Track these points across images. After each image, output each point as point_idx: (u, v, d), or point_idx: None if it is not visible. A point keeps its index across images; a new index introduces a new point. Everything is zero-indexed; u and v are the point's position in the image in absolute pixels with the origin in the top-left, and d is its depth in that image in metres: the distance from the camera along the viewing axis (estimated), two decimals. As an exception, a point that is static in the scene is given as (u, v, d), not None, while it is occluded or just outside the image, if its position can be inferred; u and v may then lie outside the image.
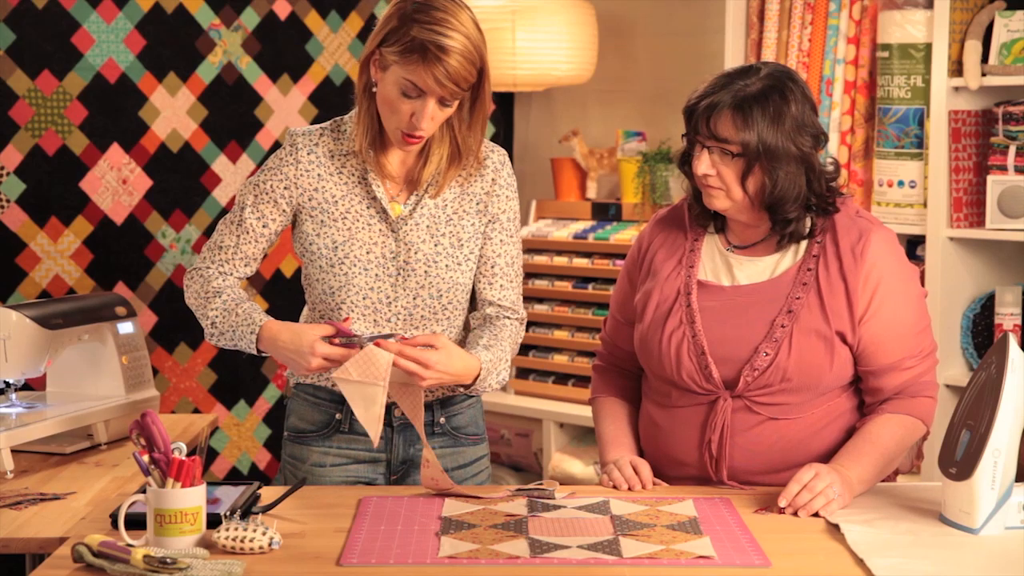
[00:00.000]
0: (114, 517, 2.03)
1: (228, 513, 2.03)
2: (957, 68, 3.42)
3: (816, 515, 2.17)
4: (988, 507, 2.08)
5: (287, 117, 4.19)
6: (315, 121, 4.20)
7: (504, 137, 4.66)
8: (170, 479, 1.97)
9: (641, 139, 4.29)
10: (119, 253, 3.95)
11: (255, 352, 2.37)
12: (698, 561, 1.96)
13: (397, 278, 2.40)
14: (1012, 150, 3.36)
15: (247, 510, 2.08)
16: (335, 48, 4.28)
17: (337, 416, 2.47)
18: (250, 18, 4.11)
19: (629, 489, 2.32)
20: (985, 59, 3.41)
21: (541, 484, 2.29)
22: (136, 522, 1.99)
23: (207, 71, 4.05)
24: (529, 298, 4.24)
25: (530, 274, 4.25)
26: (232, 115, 4.09)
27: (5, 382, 2.73)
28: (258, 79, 4.13)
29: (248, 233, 2.42)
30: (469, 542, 2.02)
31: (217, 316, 2.39)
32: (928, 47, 3.44)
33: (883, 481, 2.37)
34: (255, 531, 1.96)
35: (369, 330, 2.40)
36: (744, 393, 2.30)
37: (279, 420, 4.12)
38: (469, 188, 2.45)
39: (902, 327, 2.32)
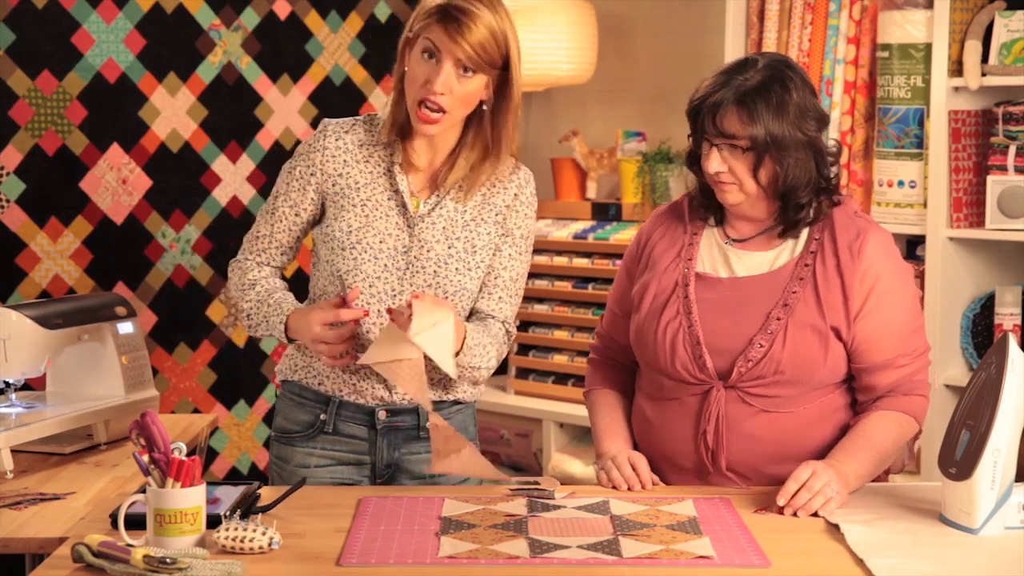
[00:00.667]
0: (114, 517, 2.03)
1: (228, 513, 2.03)
2: (957, 68, 3.42)
3: (815, 515, 2.17)
4: (988, 507, 2.08)
5: (287, 117, 4.19)
6: (315, 121, 4.20)
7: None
8: (170, 479, 1.96)
9: (641, 139, 4.29)
10: (119, 253, 3.95)
11: (287, 341, 2.43)
12: (698, 561, 1.96)
13: (405, 272, 2.41)
14: (1012, 150, 3.36)
15: (247, 510, 2.08)
16: (335, 48, 4.28)
17: (322, 417, 2.47)
18: (250, 18, 4.11)
19: (629, 489, 2.32)
20: (985, 59, 3.41)
21: (539, 482, 2.29)
22: (136, 522, 1.99)
23: (207, 71, 4.05)
24: (529, 298, 4.24)
25: (530, 274, 4.24)
26: (232, 115, 4.09)
27: (5, 382, 2.73)
28: (258, 79, 4.13)
29: (281, 222, 2.48)
30: (469, 542, 2.02)
31: (251, 307, 2.46)
32: (928, 47, 3.44)
33: (874, 481, 2.37)
34: (255, 531, 1.96)
35: (372, 319, 2.40)
36: (737, 384, 2.31)
37: (279, 420, 4.12)
38: (491, 198, 2.47)
39: (896, 325, 2.33)
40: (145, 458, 1.99)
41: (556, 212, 4.41)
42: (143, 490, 2.02)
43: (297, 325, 2.39)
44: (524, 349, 4.32)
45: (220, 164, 4.09)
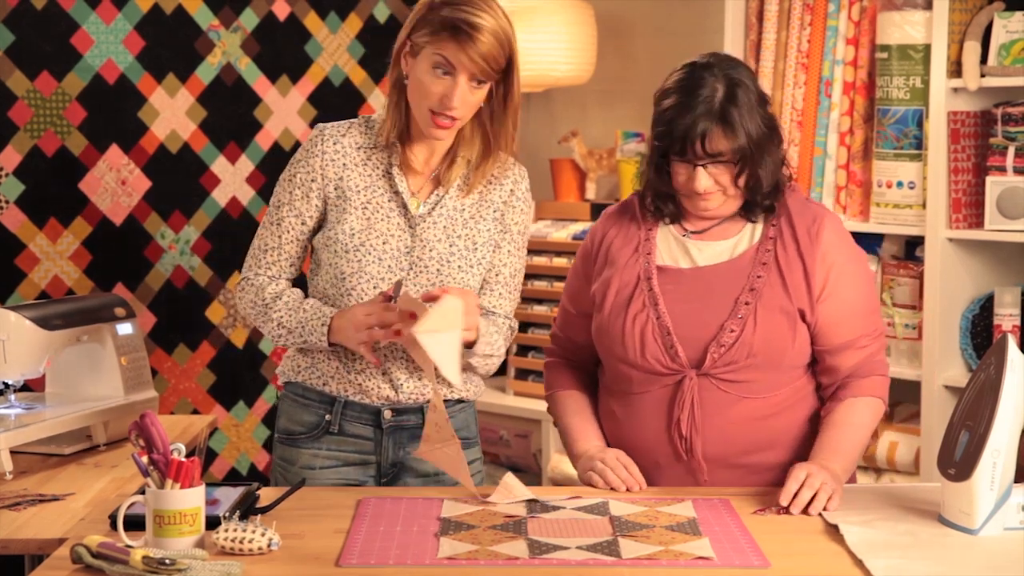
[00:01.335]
0: (113, 518, 2.03)
1: (227, 514, 2.03)
2: (956, 69, 3.42)
3: (809, 514, 2.17)
4: (987, 508, 2.08)
5: (286, 118, 4.18)
6: (314, 122, 4.20)
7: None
8: (169, 480, 1.96)
9: (640, 139, 4.29)
10: (118, 254, 3.94)
11: (327, 344, 2.39)
12: (697, 562, 1.96)
13: (409, 272, 2.41)
14: (1011, 151, 3.36)
15: (246, 511, 2.08)
16: (334, 49, 4.28)
17: (327, 417, 2.47)
18: (249, 19, 4.11)
19: (627, 490, 2.32)
20: (984, 60, 3.41)
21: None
22: (135, 523, 1.99)
23: (206, 72, 4.04)
24: (528, 299, 4.24)
25: (529, 275, 4.25)
26: (231, 116, 4.09)
27: (4, 383, 2.73)
28: (257, 80, 4.13)
29: (288, 232, 2.46)
30: (468, 543, 2.02)
31: (283, 316, 2.43)
32: (927, 48, 3.44)
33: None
34: (254, 532, 1.96)
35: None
36: (710, 371, 2.33)
37: (278, 421, 4.11)
38: (488, 195, 2.48)
39: (856, 306, 2.39)
40: (144, 459, 1.99)
41: (555, 213, 4.41)
42: (142, 491, 2.02)
43: (341, 325, 2.37)
44: (523, 350, 4.32)
45: (219, 165, 4.09)
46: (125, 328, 2.90)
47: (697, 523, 2.13)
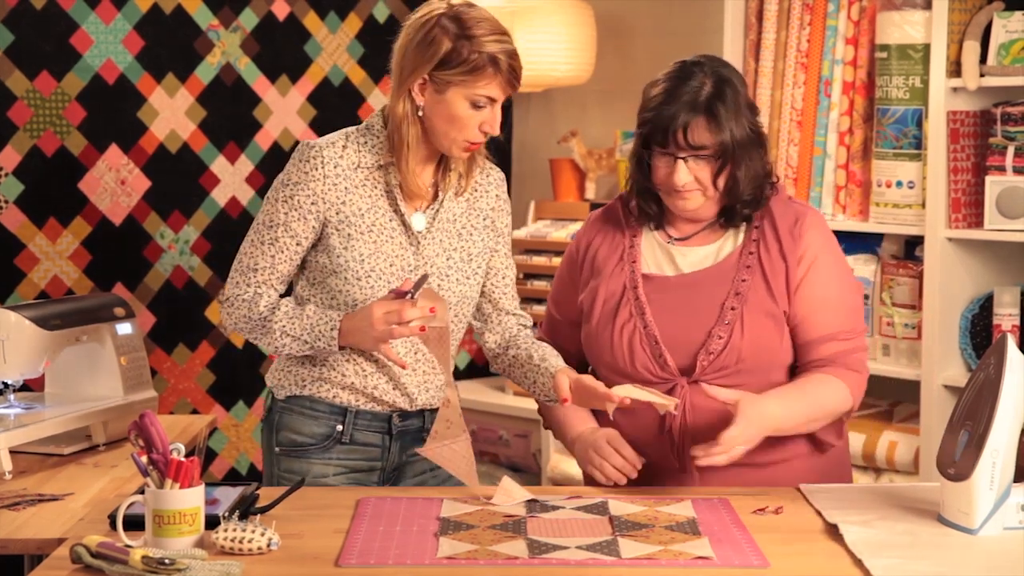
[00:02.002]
0: (112, 518, 2.03)
1: (227, 514, 2.03)
2: (955, 69, 3.42)
3: (818, 515, 2.17)
4: (987, 508, 2.08)
5: (285, 118, 4.19)
6: (314, 122, 4.20)
7: (503, 138, 4.66)
8: (168, 480, 1.96)
9: (640, 140, 4.29)
10: (118, 254, 3.95)
11: (336, 349, 2.35)
12: (696, 562, 1.96)
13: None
14: (1010, 150, 3.36)
15: (246, 511, 2.08)
16: (334, 49, 4.28)
17: (338, 428, 2.44)
18: (248, 19, 4.11)
19: (627, 478, 2.32)
20: (983, 60, 3.41)
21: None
22: (135, 523, 1.99)
23: (205, 72, 4.05)
24: (528, 299, 4.23)
25: (529, 275, 4.25)
26: (231, 116, 4.09)
27: (4, 383, 2.73)
28: (256, 80, 4.13)
29: (283, 252, 2.39)
30: (468, 543, 2.02)
31: (286, 325, 2.36)
32: (926, 48, 3.44)
33: (812, 454, 2.43)
34: (253, 532, 1.96)
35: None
36: (700, 378, 2.33)
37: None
38: (475, 203, 2.48)
39: (835, 300, 2.39)
40: (144, 459, 1.99)
41: (555, 213, 4.40)
42: (142, 491, 2.02)
43: (355, 326, 2.32)
44: (523, 350, 4.31)
45: (219, 165, 4.09)
46: (124, 328, 2.90)
47: (696, 523, 2.13)
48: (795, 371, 2.41)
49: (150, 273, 4.00)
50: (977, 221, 3.45)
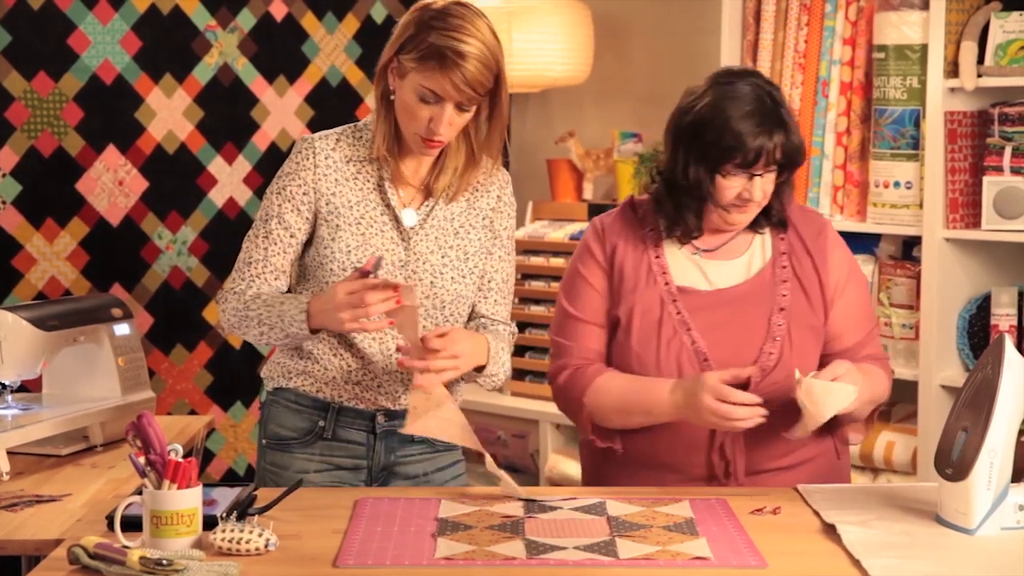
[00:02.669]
0: (110, 519, 2.02)
1: (224, 514, 2.03)
2: (953, 69, 3.42)
3: (816, 515, 2.18)
4: (984, 508, 2.08)
5: (283, 118, 4.19)
6: (311, 122, 4.20)
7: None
8: (166, 481, 1.96)
9: (637, 140, 4.29)
10: (115, 255, 3.95)
11: (307, 332, 2.33)
12: (694, 562, 1.95)
13: None
14: (1008, 151, 3.36)
15: (243, 511, 2.08)
16: (331, 50, 4.28)
17: (320, 423, 2.45)
18: (246, 19, 4.11)
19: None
20: (981, 60, 3.41)
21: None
22: (132, 524, 1.99)
23: (203, 72, 4.05)
24: (525, 299, 4.24)
25: (526, 275, 4.25)
26: (228, 116, 4.09)
27: (1, 384, 2.73)
28: (254, 80, 4.13)
29: (276, 244, 2.40)
30: (465, 543, 2.02)
31: (262, 313, 2.37)
32: (924, 48, 3.44)
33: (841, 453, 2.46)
34: (251, 532, 1.96)
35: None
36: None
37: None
38: (475, 203, 2.47)
39: (863, 307, 2.45)
40: (141, 460, 1.99)
41: (552, 213, 4.40)
42: (139, 492, 2.02)
43: (321, 307, 2.30)
44: (520, 350, 4.31)
45: (216, 165, 4.09)
46: (122, 329, 2.90)
47: (694, 523, 2.12)
48: None
49: (148, 274, 4.00)
50: (975, 221, 3.45)
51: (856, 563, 1.95)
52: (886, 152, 3.53)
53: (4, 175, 3.77)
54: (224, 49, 4.07)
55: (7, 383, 2.73)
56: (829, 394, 2.22)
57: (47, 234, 3.84)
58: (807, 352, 2.36)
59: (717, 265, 2.40)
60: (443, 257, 2.43)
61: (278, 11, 4.16)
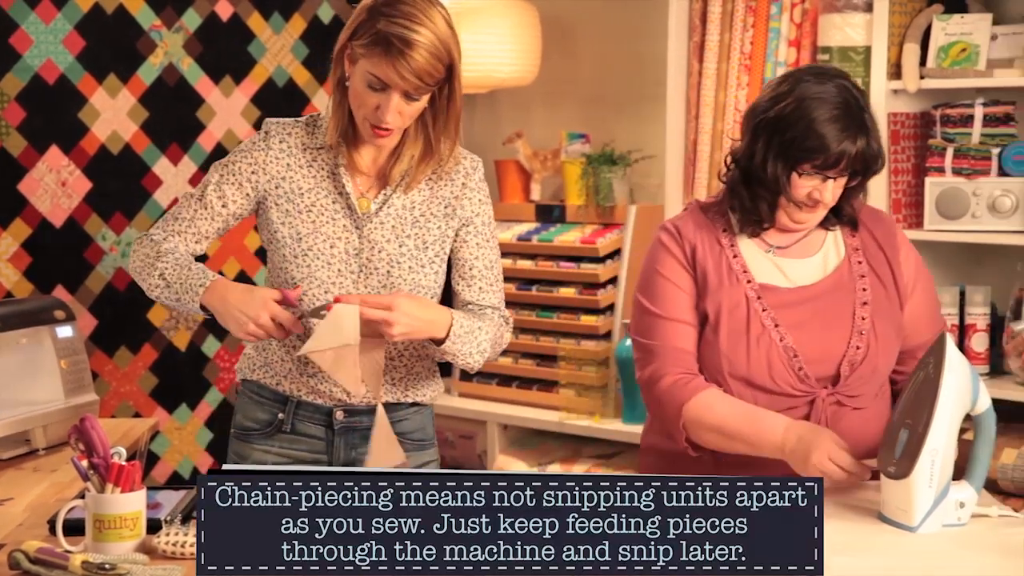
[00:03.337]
0: (52, 523, 2.01)
1: (168, 518, 2.01)
2: (896, 71, 3.46)
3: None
4: (926, 505, 2.10)
5: (229, 119, 4.16)
6: (258, 123, 4.18)
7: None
8: (109, 484, 1.95)
9: (585, 141, 4.30)
10: (58, 256, 3.91)
11: (197, 308, 2.34)
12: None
13: (359, 275, 2.39)
14: (949, 152, 3.40)
15: (188, 514, 2.07)
16: (278, 50, 4.26)
17: (280, 416, 2.46)
18: (191, 19, 4.08)
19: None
20: (923, 62, 3.45)
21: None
22: (75, 528, 1.97)
23: (148, 72, 4.01)
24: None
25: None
26: (173, 117, 4.06)
27: (-59, 387, 2.70)
28: (200, 80, 4.10)
29: (206, 209, 2.42)
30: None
31: (168, 269, 2.37)
32: (867, 50, 3.47)
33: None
34: (195, 536, 1.95)
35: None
36: (842, 388, 2.35)
37: (221, 424, 4.09)
38: (438, 191, 2.45)
39: (935, 305, 2.49)
40: (84, 463, 1.97)
41: (500, 214, 4.38)
42: (82, 495, 2.00)
43: (223, 294, 2.31)
44: (468, 351, 4.31)
45: (161, 166, 4.06)
46: (65, 331, 2.87)
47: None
48: None
49: (91, 275, 3.96)
50: (917, 222, 3.49)
51: (800, 561, 1.96)
52: (830, 153, 3.56)
53: (-56, 176, 3.73)
54: (169, 49, 4.04)
55: (-53, 386, 2.70)
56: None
57: (-11, 235, 3.80)
58: (891, 345, 2.39)
59: (793, 263, 2.41)
60: (400, 246, 2.41)
61: (224, 11, 4.14)
